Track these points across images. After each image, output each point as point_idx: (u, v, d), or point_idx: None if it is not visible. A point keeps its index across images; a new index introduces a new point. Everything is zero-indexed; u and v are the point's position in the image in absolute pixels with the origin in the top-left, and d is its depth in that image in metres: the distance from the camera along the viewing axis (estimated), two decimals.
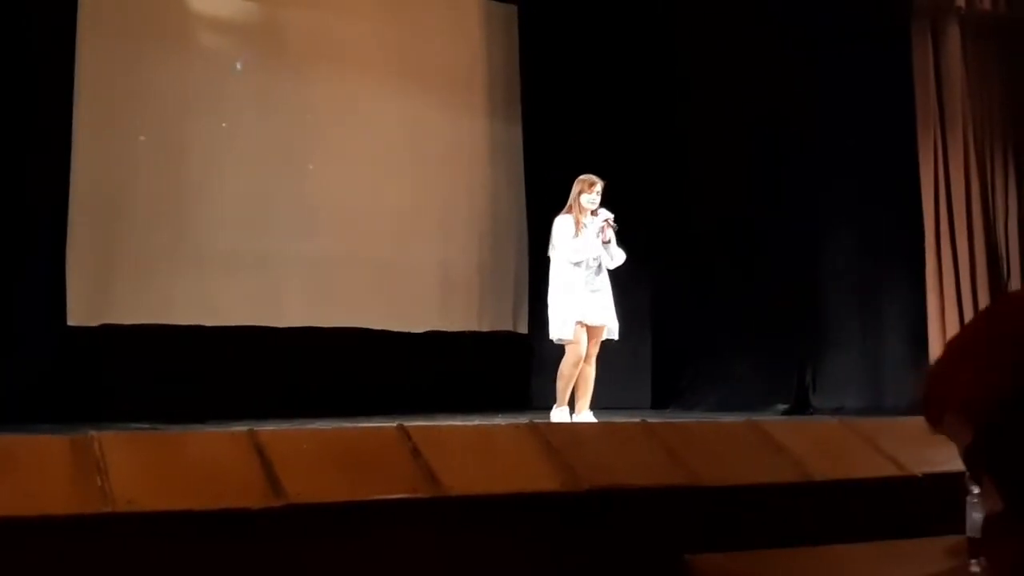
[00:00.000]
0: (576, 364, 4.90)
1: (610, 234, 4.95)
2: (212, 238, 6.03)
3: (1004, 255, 5.77)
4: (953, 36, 5.77)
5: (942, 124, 5.75)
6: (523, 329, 7.05)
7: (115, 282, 5.72)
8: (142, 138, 5.87)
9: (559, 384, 4.95)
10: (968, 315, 5.67)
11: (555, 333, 4.97)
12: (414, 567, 2.47)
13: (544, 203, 6.78)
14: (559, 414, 4.90)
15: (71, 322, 5.52)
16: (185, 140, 6.03)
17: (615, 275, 5.19)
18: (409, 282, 6.69)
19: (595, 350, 5.00)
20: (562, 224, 5.01)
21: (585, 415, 4.96)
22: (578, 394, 4.98)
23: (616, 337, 5.10)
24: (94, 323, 5.59)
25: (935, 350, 5.68)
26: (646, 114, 7.16)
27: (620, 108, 7.07)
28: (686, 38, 7.04)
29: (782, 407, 6.25)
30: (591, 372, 4.99)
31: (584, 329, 4.92)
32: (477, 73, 7.11)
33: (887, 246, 6.08)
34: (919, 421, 3.54)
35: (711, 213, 6.91)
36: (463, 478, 2.56)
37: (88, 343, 5.54)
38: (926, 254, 5.73)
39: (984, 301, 5.68)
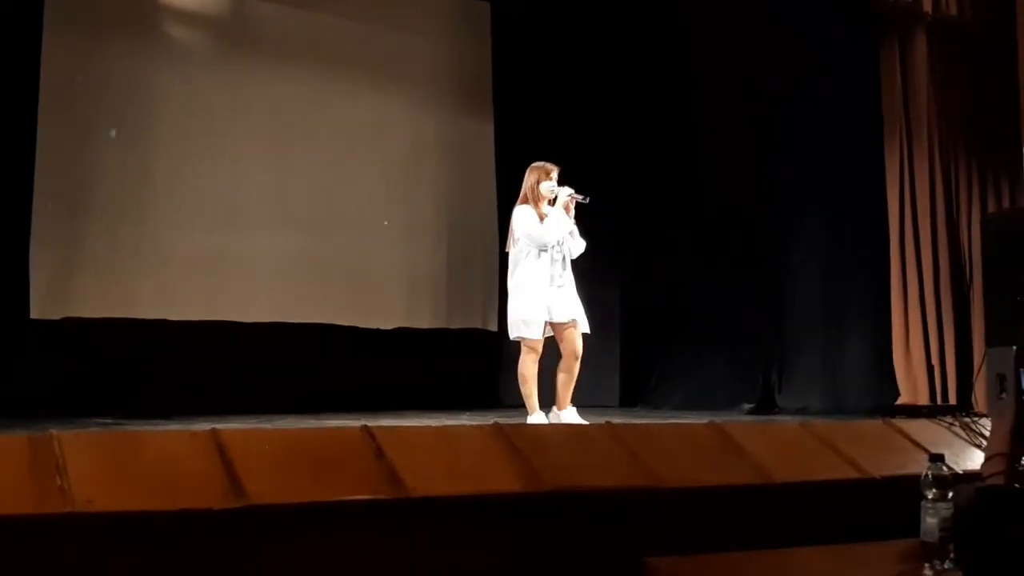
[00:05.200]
0: (535, 362, 4.69)
1: (572, 213, 4.79)
2: (177, 232, 5.97)
3: (967, 260, 5.85)
4: (920, 44, 5.83)
5: (908, 131, 5.81)
6: (492, 327, 7.04)
7: (79, 275, 5.65)
8: (108, 131, 5.80)
9: (524, 388, 4.67)
10: (931, 320, 5.74)
11: (519, 331, 4.72)
12: (377, 568, 2.47)
13: (514, 200, 6.78)
14: (537, 421, 4.60)
15: (34, 315, 5.45)
16: (151, 134, 5.96)
17: (584, 274, 5.15)
18: (378, 278, 6.67)
19: (580, 345, 4.73)
20: (524, 213, 4.77)
21: (570, 413, 4.71)
22: (561, 389, 4.74)
23: (587, 331, 4.94)
24: (57, 316, 5.52)
25: (898, 353, 5.75)
26: (617, 112, 7.18)
27: (591, 106, 7.09)
28: (661, 33, 7.07)
29: (748, 407, 6.30)
30: (576, 369, 4.74)
31: (547, 327, 4.74)
32: (449, 70, 7.10)
33: (853, 250, 6.14)
34: (879, 424, 3.61)
35: (680, 214, 6.95)
36: (426, 479, 2.56)
37: (50, 336, 5.47)
38: (891, 259, 5.79)
39: (947, 306, 5.76)
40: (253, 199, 6.24)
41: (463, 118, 7.12)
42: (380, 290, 6.68)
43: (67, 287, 5.60)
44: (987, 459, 1.94)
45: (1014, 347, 1.95)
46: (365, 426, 2.72)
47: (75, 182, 5.70)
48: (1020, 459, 1.91)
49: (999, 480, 1.87)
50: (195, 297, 5.95)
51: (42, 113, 5.53)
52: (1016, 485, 1.87)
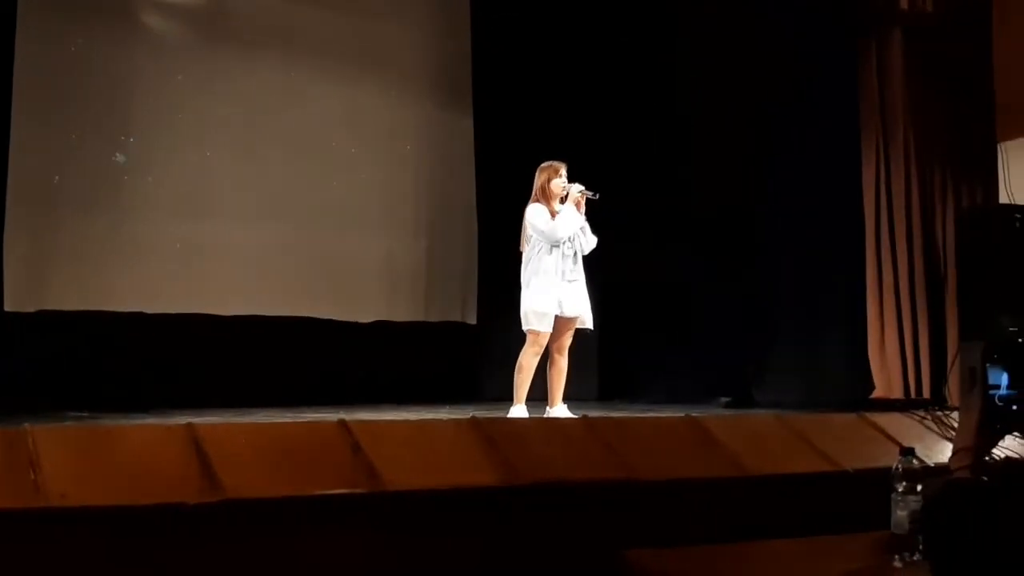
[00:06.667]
0: (537, 355, 4.78)
1: (583, 209, 4.90)
2: (154, 225, 5.93)
3: (942, 256, 5.91)
4: (896, 43, 5.88)
5: (884, 129, 5.86)
6: (471, 320, 7.05)
7: (53, 268, 5.60)
8: (80, 123, 5.75)
9: (519, 378, 4.74)
10: (906, 314, 5.81)
11: (529, 324, 4.79)
12: (353, 561, 2.47)
13: (494, 193, 6.78)
14: (519, 413, 4.66)
15: (7, 308, 5.39)
16: (126, 125, 5.91)
17: None
18: (356, 271, 6.66)
19: (569, 341, 4.89)
20: (537, 211, 4.86)
21: (560, 409, 4.82)
22: (554, 387, 4.85)
23: (591, 327, 5.02)
24: (31, 309, 5.47)
25: (873, 348, 5.81)
26: (594, 106, 7.18)
27: (571, 101, 7.08)
28: (645, 29, 7.08)
29: (725, 400, 6.34)
30: (565, 364, 4.88)
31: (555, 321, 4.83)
32: (428, 61, 7.08)
33: (829, 246, 6.18)
34: (853, 418, 3.65)
35: (657, 210, 6.96)
36: (403, 473, 2.57)
37: (25, 329, 5.41)
38: (866, 254, 5.85)
39: (922, 301, 5.82)
40: (230, 191, 6.20)
41: (442, 109, 7.10)
42: (358, 283, 6.66)
43: (42, 280, 5.55)
44: (954, 452, 1.99)
45: (982, 342, 1.98)
46: (342, 420, 2.72)
47: (49, 173, 5.64)
48: (986, 452, 1.95)
49: (967, 473, 1.91)
50: (171, 290, 5.90)
51: (16, 103, 5.46)
52: (983, 478, 1.90)
